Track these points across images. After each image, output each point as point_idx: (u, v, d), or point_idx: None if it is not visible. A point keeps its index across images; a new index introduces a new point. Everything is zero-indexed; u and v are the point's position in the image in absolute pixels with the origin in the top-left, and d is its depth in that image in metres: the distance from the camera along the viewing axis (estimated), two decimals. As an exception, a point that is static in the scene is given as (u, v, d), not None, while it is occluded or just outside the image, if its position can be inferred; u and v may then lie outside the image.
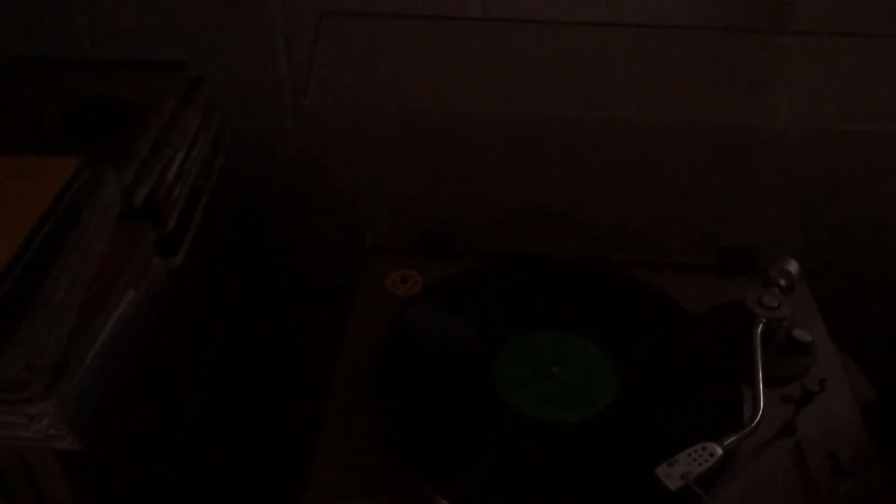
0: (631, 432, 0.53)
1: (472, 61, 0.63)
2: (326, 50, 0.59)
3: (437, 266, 0.66)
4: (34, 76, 0.66)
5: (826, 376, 0.54)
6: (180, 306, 0.61)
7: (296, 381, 0.83)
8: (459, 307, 0.62)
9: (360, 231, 0.69)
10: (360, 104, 0.62)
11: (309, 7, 0.71)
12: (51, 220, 0.47)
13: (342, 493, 0.49)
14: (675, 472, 0.47)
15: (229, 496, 0.73)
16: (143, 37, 0.75)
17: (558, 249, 0.68)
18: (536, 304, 0.63)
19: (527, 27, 0.64)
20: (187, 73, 0.66)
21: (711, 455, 0.48)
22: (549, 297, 0.64)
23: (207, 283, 0.69)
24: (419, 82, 0.63)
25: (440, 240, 0.68)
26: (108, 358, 0.48)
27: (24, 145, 0.56)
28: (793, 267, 0.61)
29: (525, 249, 0.68)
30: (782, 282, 0.60)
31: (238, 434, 0.77)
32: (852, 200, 0.65)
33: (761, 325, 0.56)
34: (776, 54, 0.62)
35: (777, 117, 0.61)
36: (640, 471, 0.48)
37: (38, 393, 0.42)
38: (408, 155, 0.66)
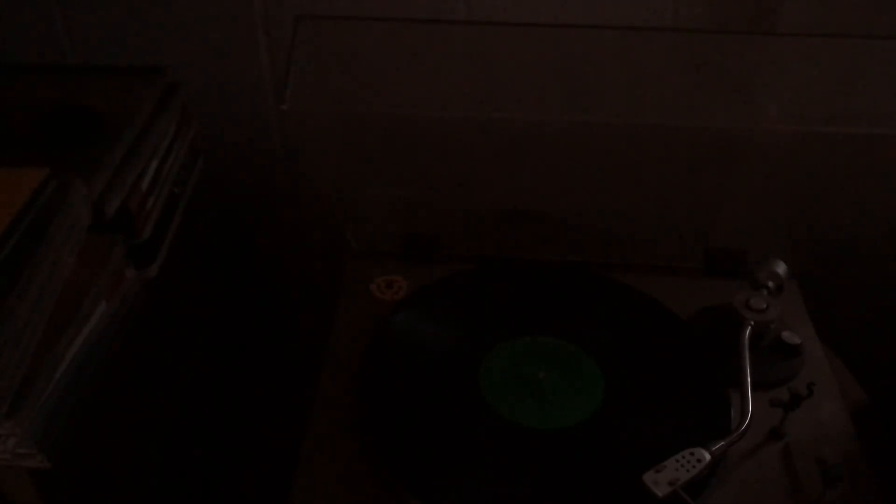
0: (618, 438, 0.52)
1: (456, 65, 0.63)
2: (304, 55, 0.58)
3: (421, 271, 0.65)
4: (4, 83, 0.65)
5: (815, 379, 0.54)
6: (158, 317, 0.60)
7: (280, 388, 0.82)
8: (444, 312, 0.62)
9: (344, 236, 0.68)
10: (339, 110, 0.61)
11: (290, 11, 0.71)
12: (15, 234, 0.46)
13: (326, 500, 0.49)
14: (663, 479, 0.46)
15: (212, 509, 0.72)
16: (122, 42, 0.74)
17: (544, 254, 0.68)
18: (522, 309, 0.62)
19: (512, 31, 0.63)
20: (163, 79, 0.65)
21: (699, 461, 0.47)
22: (534, 302, 0.63)
23: (187, 292, 0.68)
24: (401, 87, 0.62)
25: (425, 244, 0.68)
26: (79, 373, 0.47)
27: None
28: (781, 269, 0.60)
29: (510, 254, 0.68)
30: (770, 284, 0.60)
31: (220, 444, 0.76)
32: (840, 202, 0.65)
33: (749, 328, 0.56)
34: (763, 57, 0.62)
35: (764, 120, 0.60)
36: (627, 477, 0.47)
37: (1, 413, 0.41)
38: (391, 160, 0.65)
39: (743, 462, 0.51)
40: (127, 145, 0.57)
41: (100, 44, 0.74)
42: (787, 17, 0.68)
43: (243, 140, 0.80)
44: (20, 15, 0.73)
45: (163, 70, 0.65)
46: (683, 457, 0.47)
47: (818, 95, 0.59)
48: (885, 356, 0.78)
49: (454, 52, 0.63)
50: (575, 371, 0.57)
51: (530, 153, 0.65)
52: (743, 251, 0.66)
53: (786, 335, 0.58)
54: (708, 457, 0.47)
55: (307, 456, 0.51)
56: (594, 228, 0.67)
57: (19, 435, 0.41)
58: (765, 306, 0.57)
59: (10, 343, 0.42)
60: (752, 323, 0.56)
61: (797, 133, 0.60)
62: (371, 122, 0.62)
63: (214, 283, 0.75)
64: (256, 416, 0.83)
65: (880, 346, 0.80)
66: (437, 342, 0.59)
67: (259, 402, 0.84)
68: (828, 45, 0.60)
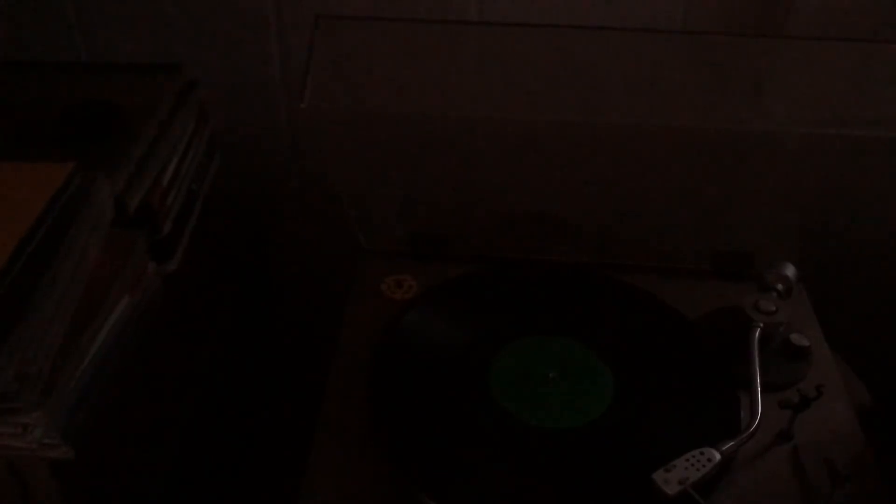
0: (628, 438, 0.53)
1: (469, 65, 0.63)
2: (322, 55, 0.59)
3: (432, 271, 0.66)
4: (27, 80, 0.66)
5: (823, 381, 0.54)
6: (175, 312, 0.61)
7: (291, 386, 0.82)
8: (455, 312, 0.62)
9: (355, 236, 0.68)
10: (356, 109, 0.62)
11: (303, 11, 0.71)
12: (43, 227, 0.47)
13: (337, 498, 0.49)
14: (673, 478, 0.47)
15: (225, 502, 0.72)
16: (136, 43, 0.74)
17: (554, 254, 0.68)
18: (532, 309, 0.63)
19: (523, 31, 0.64)
20: (181, 76, 0.66)
21: (709, 460, 0.48)
22: (544, 303, 0.64)
23: (202, 288, 0.69)
24: (415, 87, 0.62)
25: (435, 244, 0.68)
26: (102, 365, 0.48)
27: (16, 150, 0.55)
28: (790, 271, 0.61)
29: (520, 254, 0.68)
30: (779, 286, 0.60)
31: (233, 440, 0.77)
32: (849, 205, 0.65)
33: (758, 330, 0.56)
34: (773, 59, 0.62)
35: (774, 122, 0.61)
36: (637, 477, 0.47)
37: (30, 403, 0.41)
38: (403, 159, 0.66)
39: (752, 462, 0.51)
40: (148, 141, 0.58)
41: (112, 46, 0.74)
42: (796, 20, 0.69)
43: (256, 139, 0.80)
44: (34, 13, 0.73)
45: (181, 67, 0.66)
46: (693, 456, 0.48)
47: (827, 98, 0.60)
48: (890, 359, 0.78)
49: (468, 52, 0.63)
50: (584, 371, 0.57)
51: (541, 153, 0.65)
52: (751, 253, 0.66)
53: (794, 337, 0.58)
54: (718, 456, 0.48)
55: (317, 454, 0.52)
56: (603, 229, 0.68)
57: (46, 425, 0.42)
58: (774, 309, 0.58)
59: (38, 335, 0.43)
60: (762, 325, 0.57)
61: (806, 135, 0.60)
62: (385, 121, 0.63)
63: (228, 281, 0.76)
64: (268, 414, 0.84)
65: (886, 348, 0.81)
66: (447, 342, 0.59)
67: (270, 400, 0.85)
68: (837, 48, 0.60)
